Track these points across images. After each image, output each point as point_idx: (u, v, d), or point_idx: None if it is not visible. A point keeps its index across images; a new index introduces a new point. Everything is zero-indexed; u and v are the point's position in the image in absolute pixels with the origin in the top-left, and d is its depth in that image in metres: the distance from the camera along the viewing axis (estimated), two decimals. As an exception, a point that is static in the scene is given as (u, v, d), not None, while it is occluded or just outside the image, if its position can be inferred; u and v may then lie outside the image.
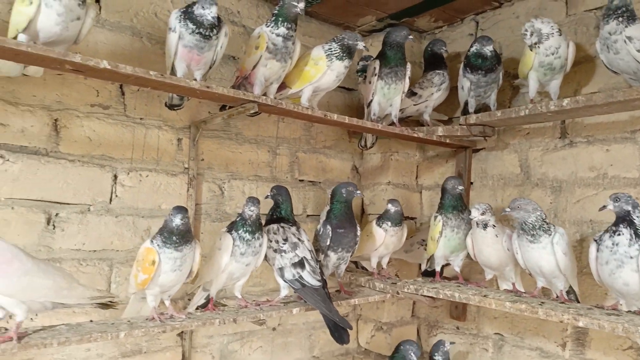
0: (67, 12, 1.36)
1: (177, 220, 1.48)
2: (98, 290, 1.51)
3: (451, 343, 2.10)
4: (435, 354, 2.07)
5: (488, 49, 2.06)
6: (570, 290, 1.78)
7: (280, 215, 1.89)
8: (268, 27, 1.74)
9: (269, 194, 1.94)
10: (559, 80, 1.89)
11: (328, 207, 2.36)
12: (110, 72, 1.38)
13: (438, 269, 2.07)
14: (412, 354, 2.02)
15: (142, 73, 1.43)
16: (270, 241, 1.81)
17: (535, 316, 1.62)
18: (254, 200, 1.68)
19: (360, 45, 1.87)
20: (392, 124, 2.20)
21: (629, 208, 1.48)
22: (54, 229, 1.80)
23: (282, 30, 1.73)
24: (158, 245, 1.50)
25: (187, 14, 1.57)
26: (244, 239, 1.68)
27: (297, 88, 1.92)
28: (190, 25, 1.57)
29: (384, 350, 2.54)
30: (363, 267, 2.47)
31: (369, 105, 2.15)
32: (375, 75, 2.07)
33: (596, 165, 2.00)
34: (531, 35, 1.83)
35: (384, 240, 2.12)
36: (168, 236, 1.50)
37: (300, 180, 2.54)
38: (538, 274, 1.74)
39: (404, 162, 2.65)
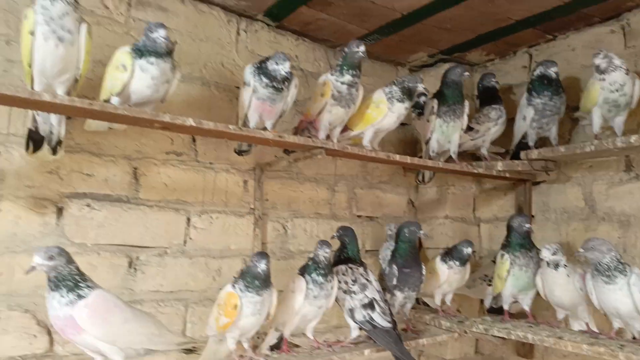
0: (161, 75, 1.48)
1: (262, 266, 1.54)
2: (182, 336, 1.58)
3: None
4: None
5: (553, 71, 2.06)
6: (647, 330, 1.73)
7: (347, 255, 1.92)
8: (333, 75, 1.82)
9: (335, 234, 1.98)
10: (624, 117, 1.88)
11: (387, 243, 2.41)
12: (195, 128, 1.47)
13: (506, 307, 2.04)
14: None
15: (222, 127, 1.52)
16: (340, 282, 1.84)
17: None
18: (326, 244, 1.72)
19: (420, 87, 1.92)
20: (450, 158, 2.23)
21: None
22: (135, 271, 1.90)
23: (347, 78, 1.80)
24: (240, 289, 1.55)
25: (261, 69, 1.67)
26: (317, 282, 1.72)
27: (359, 130, 1.98)
28: (264, 79, 1.66)
29: (448, 387, 2.51)
30: (424, 303, 2.46)
31: (427, 142, 2.19)
32: (434, 114, 2.11)
33: (665, 199, 1.96)
34: (604, 57, 1.83)
35: (447, 278, 2.12)
36: (251, 281, 1.55)
37: (358, 216, 2.58)
38: (614, 315, 1.70)
39: (460, 195, 2.66)
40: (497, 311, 2.22)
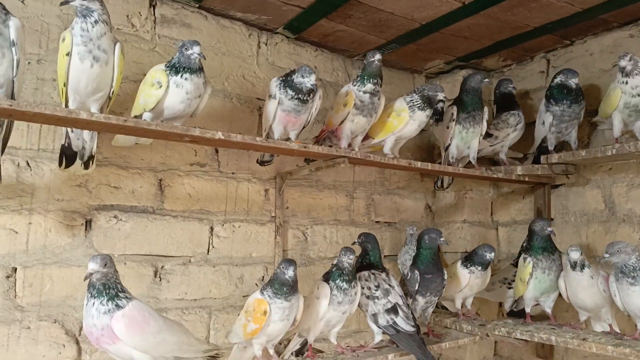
0: (195, 90, 1.53)
1: (290, 273, 1.57)
2: (207, 343, 1.61)
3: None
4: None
5: (573, 82, 2.07)
6: (671, 332, 1.74)
7: (369, 261, 1.95)
8: (355, 85, 1.85)
9: (356, 241, 2.01)
10: (645, 121, 1.89)
11: (406, 247, 2.44)
12: (223, 141, 1.51)
13: (528, 310, 2.06)
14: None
15: (250, 140, 1.55)
16: (363, 288, 1.86)
17: (642, 361, 1.59)
18: (350, 250, 1.75)
19: (441, 96, 1.95)
20: (469, 164, 2.25)
21: None
22: (160, 280, 1.94)
23: (369, 86, 1.83)
24: (269, 296, 1.59)
25: (286, 82, 1.71)
26: (341, 287, 1.75)
27: (380, 138, 2.01)
28: (290, 92, 1.70)
29: (470, 390, 2.52)
30: (444, 307, 2.47)
31: (446, 148, 2.21)
32: (453, 120, 2.13)
33: (686, 201, 1.96)
34: (630, 60, 1.83)
35: (468, 282, 2.13)
36: (279, 287, 1.59)
37: (376, 222, 2.60)
38: (639, 316, 1.71)
39: (478, 200, 2.67)
40: (517, 314, 2.23)
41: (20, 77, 1.33)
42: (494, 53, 2.46)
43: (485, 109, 2.16)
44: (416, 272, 1.97)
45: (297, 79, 1.68)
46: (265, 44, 2.25)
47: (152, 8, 1.97)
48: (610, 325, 1.88)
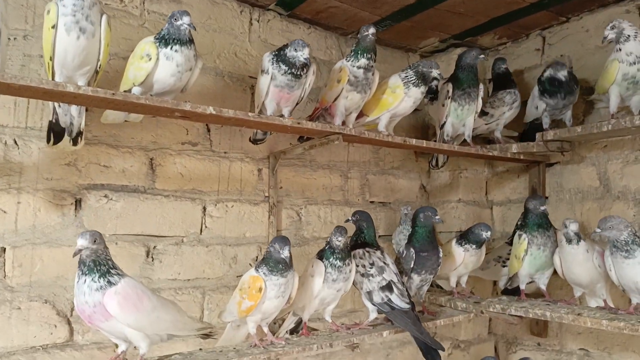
0: (186, 62, 1.49)
1: (285, 253, 1.55)
2: (201, 322, 1.60)
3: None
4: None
5: (562, 74, 2.07)
6: (665, 305, 1.74)
7: (364, 239, 1.94)
8: (349, 61, 1.82)
9: (350, 218, 1.99)
10: (640, 95, 1.88)
11: (401, 227, 2.43)
12: (215, 116, 1.48)
13: (523, 287, 2.06)
14: (497, 372, 2.02)
15: (242, 115, 1.52)
16: (357, 266, 1.85)
17: (636, 334, 1.60)
18: (341, 231, 1.73)
19: (435, 73, 1.92)
20: (464, 142, 2.23)
21: None
22: (152, 261, 1.92)
23: (363, 61, 1.80)
24: (264, 273, 1.57)
25: (279, 57, 1.67)
26: (335, 265, 1.73)
27: (374, 116, 1.99)
28: (283, 66, 1.66)
29: (464, 368, 2.54)
30: (438, 286, 2.48)
31: (442, 126, 2.19)
32: (449, 97, 2.11)
33: (682, 177, 1.96)
34: (612, 28, 1.82)
35: (463, 260, 2.13)
36: (274, 265, 1.57)
37: (371, 202, 2.59)
38: (633, 290, 1.71)
39: (473, 179, 2.66)
40: (511, 292, 2.23)
41: (4, 49, 1.29)
42: (489, 30, 2.43)
43: (481, 85, 2.13)
44: (412, 249, 1.96)
45: (290, 52, 1.65)
46: (258, 21, 2.21)
47: (140, -17, 1.92)
48: (604, 301, 1.89)
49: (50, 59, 1.36)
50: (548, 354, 2.41)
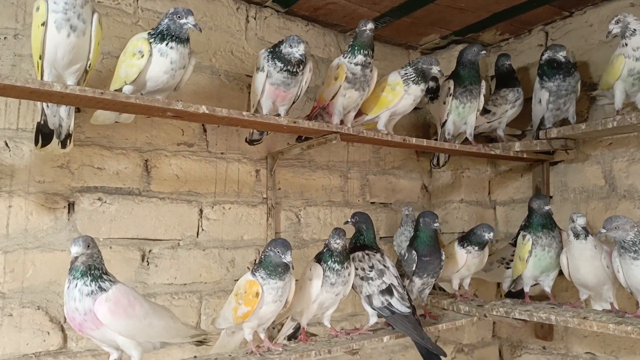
0: (180, 60, 1.45)
1: (287, 257, 1.50)
2: (195, 328, 1.56)
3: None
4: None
5: (561, 55, 2.03)
6: (674, 308, 1.69)
7: (363, 242, 1.89)
8: (346, 58, 1.78)
9: (349, 220, 1.95)
10: (646, 92, 1.83)
11: (402, 228, 2.38)
12: (208, 116, 1.44)
13: (527, 289, 2.01)
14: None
15: (236, 114, 1.48)
16: (357, 269, 1.81)
17: (644, 338, 1.55)
18: (339, 233, 1.69)
19: (435, 69, 1.87)
20: (466, 141, 2.19)
21: None
22: (148, 265, 1.87)
23: (360, 58, 1.76)
24: (262, 277, 1.53)
25: (275, 54, 1.63)
26: (333, 269, 1.69)
27: (374, 114, 1.94)
28: (279, 63, 1.62)
29: (468, 372, 2.49)
30: (441, 288, 2.43)
31: (443, 125, 2.14)
32: (450, 95, 2.06)
33: (690, 175, 1.91)
34: (616, 23, 1.77)
35: (465, 262, 2.08)
36: (273, 269, 1.52)
37: (371, 203, 2.54)
38: (640, 292, 1.66)
39: (475, 179, 2.61)
40: (515, 295, 2.19)
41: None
42: (491, 26, 2.38)
43: (483, 82, 2.09)
44: (413, 252, 1.92)
45: (285, 49, 1.60)
46: (254, 18, 2.17)
47: (134, -20, 1.88)
48: (611, 304, 1.84)
49: (40, 58, 1.32)
50: (554, 357, 2.36)
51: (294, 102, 1.76)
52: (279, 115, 1.70)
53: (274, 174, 2.15)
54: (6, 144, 1.63)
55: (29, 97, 1.32)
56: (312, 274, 1.72)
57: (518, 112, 2.29)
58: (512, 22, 2.35)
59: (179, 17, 1.43)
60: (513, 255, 2.13)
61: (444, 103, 2.10)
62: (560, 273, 1.96)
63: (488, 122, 2.29)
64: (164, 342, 1.42)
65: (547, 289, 2.00)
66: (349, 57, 1.77)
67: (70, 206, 1.73)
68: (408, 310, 1.77)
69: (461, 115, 2.09)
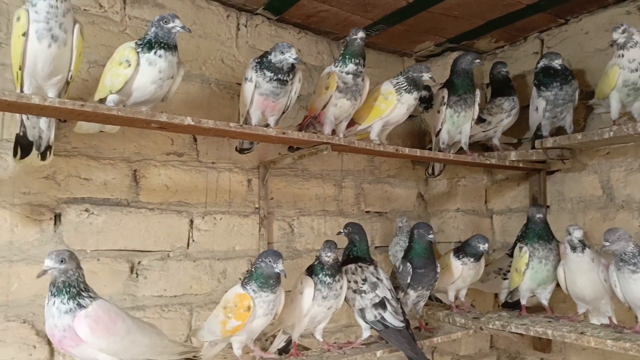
0: (168, 69, 1.43)
1: (279, 266, 1.48)
2: (184, 345, 1.52)
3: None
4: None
5: (557, 63, 2.01)
6: (673, 323, 1.65)
7: (356, 254, 1.85)
8: (337, 66, 1.75)
9: (342, 231, 1.91)
10: (643, 101, 1.80)
11: (397, 238, 2.35)
12: (194, 127, 1.41)
13: (524, 302, 1.97)
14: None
15: (223, 126, 1.45)
16: (349, 282, 1.77)
17: (643, 355, 1.51)
18: (330, 246, 1.65)
19: (426, 76, 1.84)
20: (461, 150, 2.15)
21: None
22: (137, 277, 1.84)
23: (351, 67, 1.73)
24: (253, 290, 1.50)
25: (263, 64, 1.60)
26: (325, 282, 1.65)
27: (366, 124, 1.91)
28: (268, 73, 1.59)
29: (464, 384, 2.45)
30: (437, 299, 2.39)
31: (437, 134, 2.11)
32: (444, 104, 2.03)
33: (689, 185, 1.87)
34: (622, 32, 1.74)
35: (461, 274, 2.04)
36: (265, 281, 1.50)
37: (366, 212, 2.51)
38: (639, 307, 1.62)
39: (471, 187, 2.58)
40: (512, 305, 2.14)
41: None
42: (486, 34, 2.35)
43: (477, 91, 2.06)
44: (408, 265, 1.88)
45: (276, 57, 1.57)
46: (245, 26, 2.14)
47: (121, -13, 1.85)
48: (610, 318, 1.79)
49: (20, 69, 1.29)
50: (552, 369, 2.32)
51: (283, 112, 1.73)
52: (268, 125, 1.67)
53: (266, 183, 2.12)
54: (-10, 155, 1.60)
55: (7, 109, 1.29)
56: (303, 287, 1.68)
57: (514, 121, 2.26)
58: (507, 30, 2.32)
59: (165, 21, 1.41)
60: (510, 265, 2.10)
61: (438, 112, 2.07)
62: (558, 285, 1.92)
63: (483, 131, 2.25)
64: (149, 359, 1.38)
65: (545, 302, 1.97)
66: (340, 66, 1.74)
67: (57, 218, 1.70)
68: (401, 324, 1.73)
69: (455, 124, 2.06)
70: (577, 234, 1.74)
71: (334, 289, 1.68)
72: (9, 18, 1.62)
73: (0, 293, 1.59)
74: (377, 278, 1.79)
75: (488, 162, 2.11)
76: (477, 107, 2.06)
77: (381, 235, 2.54)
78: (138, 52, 1.41)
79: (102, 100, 1.44)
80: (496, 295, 2.48)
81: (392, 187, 2.60)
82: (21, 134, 1.38)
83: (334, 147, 1.73)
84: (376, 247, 2.52)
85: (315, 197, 2.32)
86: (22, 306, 1.62)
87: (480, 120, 2.21)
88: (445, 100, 2.03)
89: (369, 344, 1.82)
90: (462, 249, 2.02)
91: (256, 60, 1.63)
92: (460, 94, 2.02)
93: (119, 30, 1.84)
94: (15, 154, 1.41)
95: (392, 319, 1.72)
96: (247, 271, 2.06)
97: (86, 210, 1.75)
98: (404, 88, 1.85)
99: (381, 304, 1.74)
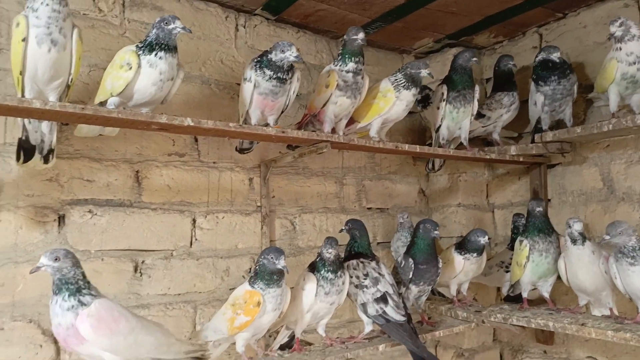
0: (169, 71, 1.45)
1: (282, 262, 1.51)
2: (190, 343, 1.53)
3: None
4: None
5: (555, 56, 2.00)
6: (672, 314, 1.66)
7: (358, 250, 1.87)
8: (337, 65, 1.76)
9: (344, 228, 1.93)
10: (642, 94, 1.80)
11: (399, 234, 2.36)
12: (194, 128, 1.43)
13: (525, 294, 1.98)
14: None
15: (222, 126, 1.47)
16: (351, 277, 1.79)
17: (643, 345, 1.52)
18: (331, 242, 1.67)
19: (424, 72, 1.85)
20: (461, 145, 2.16)
21: None
22: (141, 276, 1.86)
23: (351, 65, 1.74)
24: (261, 288, 1.53)
25: (263, 63, 1.62)
26: (327, 278, 1.67)
27: (366, 122, 1.92)
28: (268, 72, 1.60)
29: (468, 378, 2.46)
30: (439, 293, 2.40)
31: (437, 130, 2.12)
32: (444, 100, 2.04)
33: (688, 176, 1.88)
34: (620, 25, 1.74)
35: (463, 268, 2.05)
36: (270, 277, 1.53)
37: (368, 209, 2.52)
38: (639, 298, 1.63)
39: (472, 182, 2.58)
40: (514, 299, 2.16)
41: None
42: (484, 29, 2.36)
43: (477, 87, 2.06)
44: (410, 260, 1.90)
45: (276, 56, 1.58)
46: (244, 27, 2.15)
47: (120, -9, 1.87)
48: (611, 309, 1.80)
49: (20, 73, 1.31)
50: (555, 362, 2.33)
51: (282, 112, 1.75)
52: (267, 124, 1.69)
53: (268, 181, 2.14)
54: (-6, 159, 1.62)
55: (9, 114, 1.31)
56: (305, 283, 1.70)
57: (514, 116, 2.26)
58: (506, 25, 2.32)
59: (166, 23, 1.43)
60: (512, 259, 2.11)
61: (438, 108, 2.08)
62: (560, 277, 1.93)
63: (483, 127, 2.26)
64: (154, 358, 1.39)
65: (546, 294, 1.97)
66: (340, 65, 1.75)
67: (61, 219, 1.72)
68: (403, 318, 1.75)
69: (455, 120, 2.07)
70: (577, 227, 1.74)
71: (336, 284, 1.69)
72: (9, 24, 1.64)
73: (6, 294, 1.61)
74: (379, 273, 1.81)
75: (488, 157, 2.12)
76: (476, 103, 2.06)
77: (383, 231, 2.56)
78: (139, 55, 1.43)
79: (103, 103, 1.46)
80: (498, 289, 2.49)
81: (393, 183, 2.61)
82: (23, 138, 1.40)
83: (333, 145, 1.75)
84: (378, 243, 2.53)
85: (316, 195, 2.33)
86: (28, 306, 1.64)
87: (479, 115, 2.21)
88: (445, 96, 2.04)
89: (372, 338, 1.84)
90: (463, 245, 2.03)
91: (256, 60, 1.64)
92: (460, 90, 2.03)
93: (119, 34, 1.86)
94: (18, 159, 1.43)
95: (394, 313, 1.74)
96: (251, 269, 2.09)
97: (89, 211, 1.77)
98: (402, 85, 1.86)
99: (383, 299, 1.76)
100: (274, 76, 1.61)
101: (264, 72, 1.62)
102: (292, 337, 1.83)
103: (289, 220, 2.25)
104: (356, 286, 1.79)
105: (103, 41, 1.81)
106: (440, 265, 1.92)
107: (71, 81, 1.36)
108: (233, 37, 2.12)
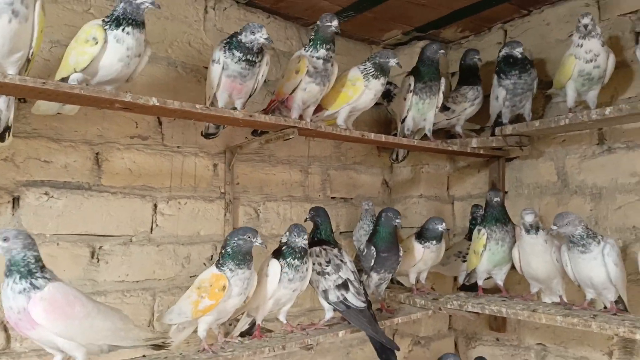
0: (136, 47, 1.40)
1: (259, 240, 1.52)
2: (151, 331, 1.50)
3: None
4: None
5: (518, 51, 2.07)
6: (618, 300, 1.75)
7: (320, 237, 1.88)
8: (307, 51, 1.75)
9: (307, 217, 1.94)
10: (597, 91, 1.89)
11: (362, 222, 2.38)
12: (159, 108, 1.39)
13: (481, 282, 2.05)
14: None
15: (189, 107, 1.44)
16: (314, 264, 1.80)
17: (589, 330, 1.60)
18: (300, 229, 1.67)
19: (392, 62, 1.87)
20: (425, 136, 2.20)
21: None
22: (98, 262, 1.81)
23: (322, 52, 1.74)
24: (230, 269, 1.51)
25: (232, 44, 1.59)
26: (292, 265, 1.67)
27: (334, 109, 1.93)
28: (237, 53, 1.58)
29: (424, 364, 2.53)
30: (399, 282, 2.45)
31: (403, 120, 2.15)
32: (411, 91, 2.07)
33: (638, 171, 1.98)
34: (591, 20, 1.80)
35: (422, 257, 2.10)
36: (243, 257, 1.52)
37: (332, 198, 2.54)
38: (588, 285, 1.72)
39: (434, 174, 2.64)
40: (469, 288, 2.22)
41: None
42: (452, 23, 2.40)
43: (442, 79, 2.10)
44: (372, 248, 1.93)
45: (246, 37, 1.56)
46: (213, 9, 2.11)
47: (85, -35, 1.79)
48: (560, 297, 1.89)
49: (-22, 47, 1.23)
50: (507, 349, 2.42)
51: (250, 96, 1.73)
52: (235, 108, 1.66)
53: (233, 168, 2.11)
54: (-56, 136, 1.53)
55: (-36, 87, 1.24)
56: (269, 270, 1.69)
57: (477, 110, 2.32)
58: (473, 20, 2.37)
59: None
60: (469, 249, 2.17)
61: (405, 99, 2.11)
62: (513, 267, 2.01)
63: (447, 119, 2.31)
64: (112, 345, 1.36)
65: (500, 282, 2.05)
66: (311, 51, 1.75)
67: (15, 201, 1.65)
68: (363, 304, 1.77)
69: (421, 111, 2.10)
70: (528, 218, 1.82)
71: (300, 271, 1.70)
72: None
73: (-46, 278, 1.54)
74: (341, 260, 1.82)
75: (450, 149, 2.17)
76: (441, 95, 2.10)
77: (346, 220, 2.58)
78: (105, 30, 1.38)
79: (65, 80, 1.40)
80: (455, 279, 2.56)
81: (357, 173, 2.63)
82: (-22, 114, 1.33)
83: (300, 131, 1.74)
84: (341, 233, 2.55)
85: (281, 183, 2.33)
86: (-23, 291, 1.57)
87: (444, 108, 2.26)
88: (412, 87, 2.07)
89: (332, 325, 1.86)
90: (422, 234, 2.07)
91: (225, 41, 1.62)
92: (426, 82, 2.06)
93: (83, 10, 1.78)
94: (-29, 136, 1.36)
95: (354, 300, 1.76)
96: (213, 257, 2.07)
97: (46, 193, 1.71)
98: (371, 74, 1.87)
99: (344, 285, 1.77)
100: (243, 58, 1.59)
101: (233, 54, 1.60)
102: (252, 324, 1.82)
103: (252, 208, 2.23)
104: (318, 273, 1.80)
105: (66, 17, 1.74)
106: (401, 253, 1.96)
107: (32, 55, 1.30)
108: (202, 19, 2.08)
